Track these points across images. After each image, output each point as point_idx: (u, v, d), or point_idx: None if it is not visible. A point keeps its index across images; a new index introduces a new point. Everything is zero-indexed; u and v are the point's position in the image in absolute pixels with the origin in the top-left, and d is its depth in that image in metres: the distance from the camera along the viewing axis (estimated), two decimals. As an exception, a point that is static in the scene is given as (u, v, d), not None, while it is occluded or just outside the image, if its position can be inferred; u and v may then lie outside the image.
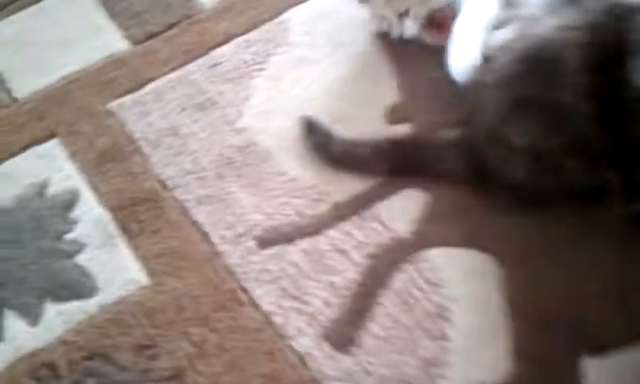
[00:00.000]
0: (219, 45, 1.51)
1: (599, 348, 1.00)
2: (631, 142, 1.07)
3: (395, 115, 1.34)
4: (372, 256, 1.14)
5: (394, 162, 1.24)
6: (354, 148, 1.26)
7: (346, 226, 1.18)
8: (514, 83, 1.13)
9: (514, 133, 1.12)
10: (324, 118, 1.30)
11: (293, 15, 1.55)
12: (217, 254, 1.17)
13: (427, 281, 1.10)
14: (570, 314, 1.04)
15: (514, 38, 1.16)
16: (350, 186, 1.23)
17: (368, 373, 1.02)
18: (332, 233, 1.18)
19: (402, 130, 1.31)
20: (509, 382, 0.98)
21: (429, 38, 1.42)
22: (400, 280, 1.11)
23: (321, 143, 1.28)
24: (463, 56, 1.33)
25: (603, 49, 1.06)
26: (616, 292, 1.05)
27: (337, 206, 1.21)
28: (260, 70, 1.45)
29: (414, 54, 1.43)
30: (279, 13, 1.56)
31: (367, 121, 1.33)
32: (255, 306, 1.11)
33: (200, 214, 1.23)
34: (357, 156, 1.25)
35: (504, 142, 1.13)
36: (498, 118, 1.14)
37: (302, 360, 1.04)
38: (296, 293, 1.12)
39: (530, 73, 1.11)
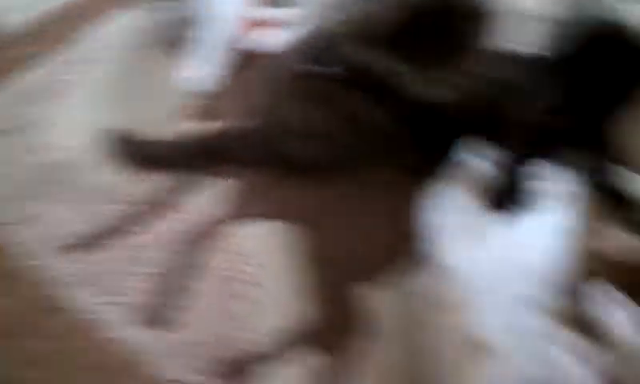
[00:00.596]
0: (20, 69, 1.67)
1: (371, 278, 1.30)
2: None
3: (190, 111, 1.57)
4: (182, 242, 1.35)
5: (198, 157, 1.44)
6: (155, 148, 1.45)
7: (154, 221, 1.39)
8: (293, 75, 1.40)
9: (292, 118, 1.39)
10: (124, 125, 1.48)
11: (93, 31, 1.76)
12: (29, 268, 1.33)
13: (236, 253, 1.33)
14: (354, 258, 1.32)
15: (302, 38, 1.44)
16: (153, 184, 1.43)
17: (192, 344, 1.23)
18: (141, 229, 1.37)
19: (201, 125, 1.53)
20: (308, 323, 1.25)
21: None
22: (213, 258, 1.33)
23: (124, 149, 1.45)
24: (198, 67, 1.62)
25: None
26: (385, 237, 1.34)
27: (144, 204, 1.40)
28: (60, 89, 1.63)
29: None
30: (77, 31, 1.76)
31: (165, 120, 1.54)
32: (73, 309, 1.28)
33: (13, 235, 1.38)
34: (159, 156, 1.45)
35: (286, 127, 1.39)
36: (280, 104, 1.42)
37: (126, 347, 1.23)
38: (112, 289, 1.30)
39: (303, 62, 1.39)
